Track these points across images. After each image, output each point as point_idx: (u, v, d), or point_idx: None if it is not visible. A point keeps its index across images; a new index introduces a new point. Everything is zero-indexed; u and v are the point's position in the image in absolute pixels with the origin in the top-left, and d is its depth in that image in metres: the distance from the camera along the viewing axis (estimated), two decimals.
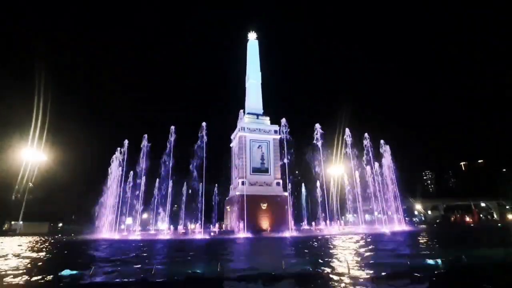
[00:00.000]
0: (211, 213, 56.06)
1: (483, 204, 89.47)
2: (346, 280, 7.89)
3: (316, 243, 21.56)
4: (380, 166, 47.74)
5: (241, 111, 56.45)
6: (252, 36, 62.39)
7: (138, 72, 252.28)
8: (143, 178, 44.77)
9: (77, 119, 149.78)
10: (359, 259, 12.25)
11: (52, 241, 28.69)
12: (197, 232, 42.28)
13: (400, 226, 45.32)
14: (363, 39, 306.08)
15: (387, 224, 46.60)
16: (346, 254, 14.10)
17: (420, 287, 7.40)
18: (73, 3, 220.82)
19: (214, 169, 49.93)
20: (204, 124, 42.50)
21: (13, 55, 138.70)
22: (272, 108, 68.36)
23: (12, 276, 9.32)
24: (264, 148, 49.88)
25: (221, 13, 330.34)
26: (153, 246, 23.11)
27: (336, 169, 55.35)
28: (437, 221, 75.37)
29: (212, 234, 41.03)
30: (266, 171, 48.67)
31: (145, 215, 61.14)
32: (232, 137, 56.62)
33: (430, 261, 10.96)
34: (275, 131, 51.20)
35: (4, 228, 65.55)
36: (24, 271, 10.23)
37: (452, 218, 73.42)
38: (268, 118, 54.22)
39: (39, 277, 9.05)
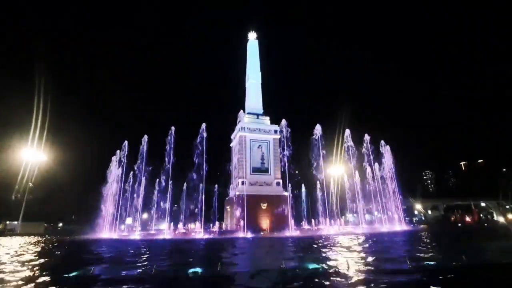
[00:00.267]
0: (211, 213, 56.12)
1: (483, 204, 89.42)
2: (346, 280, 7.89)
3: (316, 243, 21.55)
4: (380, 166, 47.79)
5: (241, 111, 56.51)
6: (252, 36, 62.41)
7: (138, 72, 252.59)
8: (143, 178, 44.82)
9: (77, 119, 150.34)
10: (359, 258, 12.25)
11: (51, 245, 28.63)
12: (197, 232, 42.30)
13: (400, 225, 45.38)
14: (363, 39, 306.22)
15: (387, 223, 46.66)
16: (346, 253, 14.10)
17: (420, 287, 7.40)
18: (73, 3, 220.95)
19: (214, 169, 50.07)
20: (204, 124, 42.60)
21: (13, 55, 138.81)
22: (272, 108, 68.48)
23: (11, 276, 9.31)
24: (264, 148, 49.91)
25: (221, 13, 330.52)
26: (153, 246, 23.11)
27: (336, 169, 55.37)
28: (437, 220, 75.36)
29: (212, 234, 41.04)
30: (266, 171, 48.69)
31: (145, 215, 61.17)
32: (232, 137, 56.66)
33: (430, 261, 10.98)
34: (275, 131, 51.22)
35: None
36: (24, 271, 10.22)
37: (452, 218, 73.35)
38: (268, 118, 54.28)
39: (39, 277, 9.04)
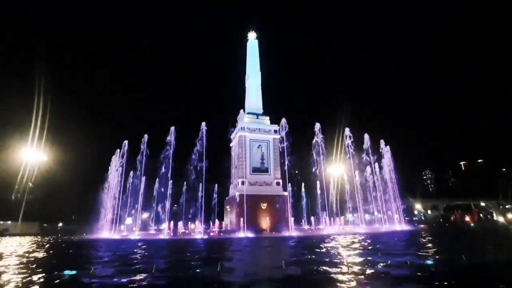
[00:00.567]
0: (211, 213, 56.10)
1: (483, 204, 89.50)
2: (346, 279, 7.88)
3: (315, 243, 21.55)
4: (380, 166, 47.81)
5: (241, 111, 56.43)
6: (252, 36, 62.34)
7: (138, 72, 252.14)
8: (143, 178, 44.82)
9: (77, 119, 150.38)
10: (358, 258, 12.24)
11: (48, 244, 28.58)
12: (197, 231, 42.29)
13: (400, 225, 45.39)
14: (363, 39, 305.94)
15: (387, 223, 46.67)
16: (346, 253, 14.09)
17: (420, 287, 7.39)
18: (73, 3, 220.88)
19: (214, 169, 49.92)
20: (204, 124, 42.60)
21: (13, 55, 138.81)
22: (272, 108, 68.46)
23: (10, 276, 9.30)
24: (264, 148, 49.89)
25: (221, 13, 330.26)
26: (153, 246, 23.10)
27: (336, 169, 55.39)
28: (437, 220, 75.42)
29: (211, 234, 41.03)
30: (266, 170, 48.68)
31: (145, 215, 61.15)
32: (232, 137, 56.63)
33: (430, 261, 10.97)
34: (275, 131, 51.20)
35: None
36: (23, 271, 10.21)
37: (452, 218, 73.42)
38: (268, 118, 54.23)
39: (38, 277, 9.03)
